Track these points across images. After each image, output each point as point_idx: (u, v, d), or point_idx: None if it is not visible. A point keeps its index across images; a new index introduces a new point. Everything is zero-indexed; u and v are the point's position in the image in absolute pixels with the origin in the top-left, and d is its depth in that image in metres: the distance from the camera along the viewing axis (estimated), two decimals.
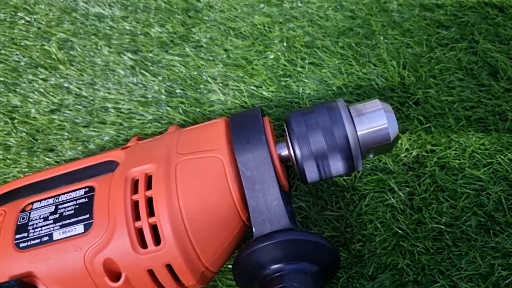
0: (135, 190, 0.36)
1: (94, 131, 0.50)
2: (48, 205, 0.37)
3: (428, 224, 0.43)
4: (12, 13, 0.57)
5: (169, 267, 0.35)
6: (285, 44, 0.51)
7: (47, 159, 0.49)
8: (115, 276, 0.35)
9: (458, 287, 0.41)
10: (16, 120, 0.51)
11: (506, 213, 0.43)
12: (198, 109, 0.49)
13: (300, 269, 0.35)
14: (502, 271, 0.41)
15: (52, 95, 0.51)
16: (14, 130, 0.50)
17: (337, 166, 0.38)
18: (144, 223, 0.34)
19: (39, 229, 0.36)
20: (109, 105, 0.50)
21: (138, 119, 0.50)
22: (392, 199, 0.44)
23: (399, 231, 0.43)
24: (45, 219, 0.36)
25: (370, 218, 0.44)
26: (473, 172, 0.45)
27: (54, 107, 0.51)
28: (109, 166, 0.39)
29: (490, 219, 0.43)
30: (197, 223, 0.35)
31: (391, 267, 0.43)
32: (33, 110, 0.51)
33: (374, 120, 0.38)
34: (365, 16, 0.52)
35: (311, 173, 0.38)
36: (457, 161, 0.45)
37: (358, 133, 0.37)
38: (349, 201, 0.45)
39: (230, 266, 0.44)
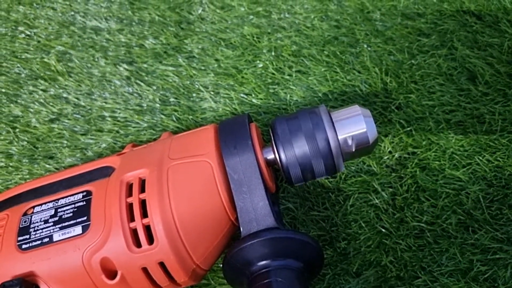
0: (129, 193, 0.38)
1: (92, 138, 0.52)
2: (48, 208, 0.40)
3: (410, 222, 0.45)
4: (13, 27, 0.59)
5: (162, 265, 0.37)
6: (273, 53, 0.54)
7: (47, 166, 0.51)
8: (111, 274, 0.37)
9: (439, 282, 0.43)
10: (17, 130, 0.53)
11: (484, 211, 0.45)
12: (191, 117, 0.52)
13: (285, 265, 0.37)
14: (481, 266, 0.43)
15: (51, 105, 0.54)
16: (16, 139, 0.53)
17: (319, 168, 0.40)
18: (138, 224, 0.37)
19: (40, 231, 0.38)
20: (106, 114, 0.53)
21: (134, 127, 0.52)
22: (376, 200, 0.47)
23: (383, 230, 0.45)
24: (46, 221, 0.39)
25: (355, 217, 0.46)
26: (452, 172, 0.47)
27: (53, 117, 0.53)
28: (106, 172, 0.41)
29: (469, 217, 0.45)
30: (188, 223, 0.37)
31: (375, 264, 0.45)
32: (33, 120, 0.53)
33: (353, 124, 0.40)
34: (350, 25, 0.55)
35: (296, 175, 0.40)
36: (437, 162, 0.47)
37: (339, 137, 0.39)
38: (334, 202, 0.47)
39: (221, 265, 0.46)
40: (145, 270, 0.37)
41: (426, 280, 0.43)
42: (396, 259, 0.44)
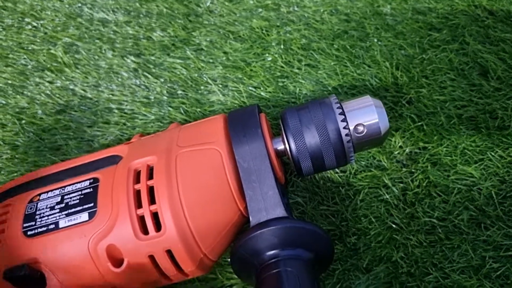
0: (137, 180, 0.37)
1: (98, 130, 0.51)
2: (54, 195, 0.39)
3: (421, 218, 0.45)
4: (20, 19, 0.59)
5: (169, 253, 0.36)
6: (282, 46, 0.53)
7: (53, 157, 0.50)
8: (117, 262, 0.36)
9: (450, 279, 0.42)
10: (23, 121, 0.53)
11: (496, 207, 0.44)
12: (198, 109, 0.51)
13: (295, 255, 0.36)
14: (493, 263, 0.42)
15: (58, 97, 0.53)
16: (22, 131, 0.52)
17: (330, 159, 0.39)
18: (145, 211, 0.36)
19: (46, 217, 0.38)
20: (113, 106, 0.52)
21: (141, 119, 0.51)
22: (386, 195, 0.46)
23: (393, 225, 0.45)
24: (52, 208, 0.38)
25: (365, 212, 0.45)
26: (464, 168, 0.46)
27: (60, 108, 0.53)
28: (113, 160, 0.40)
29: (481, 213, 0.44)
30: (196, 211, 0.36)
31: (385, 260, 0.44)
32: (40, 111, 0.53)
33: (365, 115, 0.39)
34: (359, 19, 0.54)
35: (306, 166, 0.40)
36: (449, 157, 0.47)
37: (350, 127, 0.39)
38: (344, 196, 0.46)
39: (229, 259, 0.45)
40: (152, 258, 0.36)
41: (437, 277, 0.43)
42: (407, 255, 0.44)
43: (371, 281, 0.43)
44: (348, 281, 0.43)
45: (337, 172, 0.47)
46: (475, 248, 0.43)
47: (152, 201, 0.36)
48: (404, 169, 0.47)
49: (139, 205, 0.36)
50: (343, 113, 0.39)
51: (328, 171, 0.47)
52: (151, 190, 0.37)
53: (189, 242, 0.36)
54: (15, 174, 0.50)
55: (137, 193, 0.37)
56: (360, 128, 0.39)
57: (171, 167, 0.37)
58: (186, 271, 0.38)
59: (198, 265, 0.37)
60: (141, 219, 0.36)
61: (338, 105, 0.39)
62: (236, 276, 0.44)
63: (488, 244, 0.43)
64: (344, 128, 0.38)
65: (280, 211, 0.37)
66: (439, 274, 0.43)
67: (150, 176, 0.38)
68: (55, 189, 0.40)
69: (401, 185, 0.46)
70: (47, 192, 0.40)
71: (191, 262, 0.37)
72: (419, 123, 0.48)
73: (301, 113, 0.39)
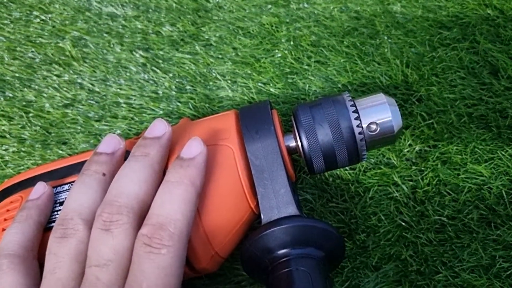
0: None
1: (106, 125, 0.51)
2: (63, 191, 0.39)
3: (431, 216, 0.44)
4: (28, 12, 0.58)
5: None
6: (292, 43, 0.53)
7: (60, 152, 0.50)
8: None
9: (460, 278, 0.42)
10: (30, 114, 0.52)
11: (507, 207, 0.44)
12: (207, 105, 0.51)
13: (306, 254, 0.36)
14: (503, 263, 0.42)
15: (65, 91, 0.53)
16: (29, 124, 0.52)
17: (343, 157, 0.39)
18: None
19: (56, 213, 0.37)
20: (121, 100, 0.52)
21: (149, 114, 0.51)
22: (396, 193, 0.46)
23: (403, 223, 0.45)
24: (61, 204, 0.38)
25: (374, 210, 0.45)
26: (474, 167, 0.46)
27: (67, 102, 0.53)
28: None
29: (491, 213, 0.44)
30: (208, 207, 0.36)
31: (394, 258, 0.44)
32: (47, 105, 0.52)
33: (378, 113, 0.39)
34: (369, 17, 0.54)
35: (318, 163, 0.39)
36: (459, 156, 0.46)
37: (363, 125, 0.39)
38: (353, 194, 0.46)
39: (238, 256, 0.45)
40: None
41: (447, 276, 0.43)
42: (416, 253, 0.43)
43: (380, 279, 0.43)
44: (357, 279, 0.43)
45: (346, 170, 0.47)
46: (485, 247, 0.43)
47: None
48: (413, 167, 0.46)
49: None
50: (356, 111, 0.39)
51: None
52: None
53: (200, 239, 0.36)
54: (22, 167, 0.50)
55: None
56: (373, 126, 0.39)
57: None
58: (197, 268, 0.37)
59: (209, 263, 0.37)
60: None
61: (352, 102, 0.39)
62: (244, 273, 0.44)
63: (498, 243, 0.43)
64: (358, 126, 0.38)
65: (292, 209, 0.37)
66: (449, 273, 0.43)
67: None
68: (64, 184, 0.39)
69: (411, 183, 0.46)
70: (57, 187, 0.39)
71: (202, 259, 0.37)
72: (429, 121, 0.48)
73: (313, 110, 0.39)
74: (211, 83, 0.52)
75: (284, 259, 0.36)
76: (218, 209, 0.37)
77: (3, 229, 0.38)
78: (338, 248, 0.38)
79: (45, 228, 0.37)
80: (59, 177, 0.41)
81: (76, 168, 0.41)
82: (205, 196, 0.36)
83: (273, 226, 0.36)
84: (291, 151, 0.40)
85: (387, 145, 0.41)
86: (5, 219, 0.38)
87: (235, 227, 0.38)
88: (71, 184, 0.39)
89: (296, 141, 0.40)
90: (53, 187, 0.39)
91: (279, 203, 0.37)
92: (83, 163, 0.41)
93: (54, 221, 0.37)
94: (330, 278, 0.37)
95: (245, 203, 0.38)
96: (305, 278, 0.34)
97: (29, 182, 0.41)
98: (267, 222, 0.37)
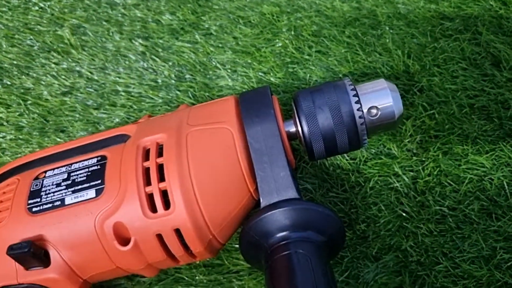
0: (146, 158, 0.37)
1: (104, 113, 0.50)
2: (61, 172, 0.38)
3: (432, 207, 0.44)
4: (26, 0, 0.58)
5: (177, 232, 0.36)
6: (292, 32, 0.53)
7: (58, 139, 0.50)
8: (124, 240, 0.36)
9: (461, 269, 0.42)
10: (28, 102, 0.52)
11: (508, 198, 0.44)
12: (207, 94, 0.50)
13: (306, 237, 0.36)
14: (504, 254, 0.42)
15: (64, 78, 0.53)
16: (27, 111, 0.51)
17: (343, 142, 0.39)
18: (154, 188, 0.35)
19: (52, 194, 0.37)
20: (119, 88, 0.51)
21: (148, 102, 0.51)
22: (396, 183, 0.45)
23: (403, 214, 0.44)
24: (58, 185, 0.37)
25: (375, 200, 0.45)
26: (476, 158, 0.45)
27: (65, 90, 0.52)
28: (121, 138, 0.40)
29: (492, 204, 0.44)
30: (206, 190, 0.36)
31: (395, 248, 0.43)
32: (45, 93, 0.52)
33: (379, 98, 0.39)
34: (371, 7, 0.53)
35: (318, 149, 0.39)
36: (460, 147, 0.46)
37: (364, 110, 0.38)
38: (354, 184, 0.46)
39: (236, 245, 0.44)
40: (159, 237, 0.36)
41: (447, 266, 0.42)
42: (416, 244, 0.43)
43: (380, 270, 0.43)
44: (356, 269, 0.43)
45: (346, 159, 0.46)
46: (486, 239, 0.43)
47: (161, 178, 0.36)
48: (414, 158, 0.46)
49: (147, 182, 0.36)
50: (357, 95, 0.38)
51: (338, 158, 0.46)
52: (160, 168, 0.36)
53: (198, 222, 0.35)
54: (19, 155, 0.49)
55: (146, 171, 0.36)
56: (374, 111, 0.38)
57: (181, 145, 0.36)
58: (194, 252, 0.37)
59: (207, 247, 0.37)
60: (150, 197, 0.35)
61: (352, 87, 0.39)
62: (242, 262, 0.44)
63: (499, 234, 0.43)
64: (358, 110, 0.38)
65: (292, 193, 0.36)
66: (449, 263, 0.42)
67: (159, 154, 0.37)
68: (62, 166, 0.39)
69: (412, 173, 0.45)
70: (53, 169, 0.39)
71: (199, 243, 0.36)
72: (431, 112, 0.47)
73: (314, 95, 0.39)
74: (210, 72, 0.52)
75: (283, 242, 0.35)
76: (216, 192, 0.36)
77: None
78: (338, 233, 0.38)
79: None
80: (56, 160, 0.40)
81: (74, 152, 0.41)
82: (204, 177, 0.36)
83: (272, 209, 0.35)
84: (291, 136, 0.40)
85: (388, 130, 0.41)
86: (1, 201, 0.38)
87: (233, 211, 0.37)
88: (68, 166, 0.38)
89: (296, 127, 0.39)
90: (51, 170, 0.39)
91: (278, 186, 0.37)
92: (80, 148, 0.41)
93: (49, 202, 0.36)
94: (330, 265, 0.36)
95: (244, 186, 0.37)
96: (305, 261, 0.34)
97: (27, 166, 0.41)
98: (266, 205, 0.36)
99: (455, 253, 0.42)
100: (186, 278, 0.44)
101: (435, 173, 0.45)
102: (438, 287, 0.42)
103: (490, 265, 0.42)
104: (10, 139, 0.50)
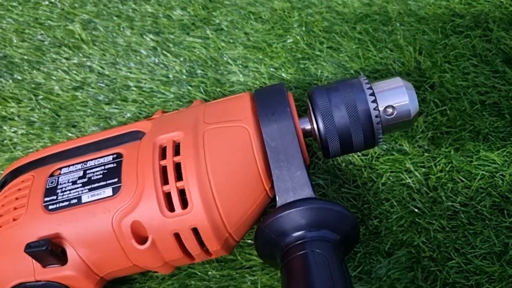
0: (163, 156, 0.37)
1: (116, 108, 0.50)
2: (76, 170, 0.38)
3: (444, 203, 0.44)
4: None
5: (195, 231, 0.36)
6: (304, 28, 0.53)
7: (69, 134, 0.50)
8: (141, 239, 0.36)
9: (473, 265, 0.42)
10: (40, 97, 0.52)
11: None
12: (218, 89, 0.50)
13: (321, 237, 0.36)
14: None
15: (75, 73, 0.52)
16: (38, 106, 0.51)
17: (359, 140, 0.39)
18: (172, 187, 0.35)
19: (68, 192, 0.37)
20: (131, 83, 0.51)
21: (160, 97, 0.50)
22: (408, 179, 0.45)
23: (415, 210, 0.44)
24: (74, 183, 0.37)
25: (387, 196, 0.45)
26: (487, 154, 0.46)
27: (77, 85, 0.52)
28: (136, 135, 0.40)
29: (504, 200, 0.44)
30: (224, 189, 0.36)
31: (407, 244, 0.43)
32: (56, 87, 0.52)
33: (395, 96, 0.39)
34: (382, 3, 0.53)
35: (334, 147, 0.39)
36: (471, 143, 0.46)
37: (380, 109, 0.38)
38: (366, 179, 0.46)
39: (249, 241, 0.45)
40: (177, 236, 0.36)
41: (459, 262, 0.42)
42: (429, 240, 0.43)
43: (392, 265, 0.43)
44: (369, 264, 0.43)
45: (359, 156, 0.46)
46: (498, 235, 0.43)
47: (178, 177, 0.36)
48: (426, 154, 0.46)
49: (165, 181, 0.36)
50: (373, 94, 0.38)
51: (350, 154, 0.46)
52: (177, 167, 0.36)
53: (215, 221, 0.36)
54: (30, 150, 0.49)
55: (163, 170, 0.36)
56: (390, 110, 0.38)
57: (198, 144, 0.36)
58: (211, 251, 0.37)
59: (223, 245, 0.37)
60: (167, 196, 0.36)
61: (369, 85, 0.39)
62: (255, 258, 0.44)
63: (511, 230, 0.43)
64: (375, 109, 0.38)
65: (308, 192, 0.37)
66: (461, 259, 0.42)
67: (176, 152, 0.37)
68: (77, 164, 0.39)
69: (423, 169, 0.46)
70: (68, 166, 0.39)
71: (216, 241, 0.36)
72: (442, 108, 0.47)
73: (330, 93, 0.39)
74: (222, 67, 0.52)
75: (299, 241, 0.36)
76: (233, 191, 0.36)
77: (15, 208, 0.38)
78: (353, 231, 0.38)
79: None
80: (70, 156, 0.40)
81: (88, 148, 0.41)
82: (221, 175, 0.36)
83: (288, 208, 0.36)
84: (306, 134, 0.40)
85: (403, 129, 0.41)
86: (17, 198, 0.38)
87: (249, 210, 0.37)
88: (84, 164, 0.38)
89: (312, 124, 0.39)
90: (65, 167, 0.39)
91: (294, 185, 0.37)
92: (94, 144, 0.41)
93: (65, 200, 0.37)
94: (345, 263, 0.37)
95: (260, 185, 0.37)
96: (322, 261, 0.34)
97: (40, 162, 0.41)
98: (283, 204, 0.36)
99: (467, 249, 0.43)
100: (199, 273, 0.44)
101: (447, 169, 0.45)
102: (450, 283, 0.42)
103: (502, 261, 0.42)
104: (22, 134, 0.50)
